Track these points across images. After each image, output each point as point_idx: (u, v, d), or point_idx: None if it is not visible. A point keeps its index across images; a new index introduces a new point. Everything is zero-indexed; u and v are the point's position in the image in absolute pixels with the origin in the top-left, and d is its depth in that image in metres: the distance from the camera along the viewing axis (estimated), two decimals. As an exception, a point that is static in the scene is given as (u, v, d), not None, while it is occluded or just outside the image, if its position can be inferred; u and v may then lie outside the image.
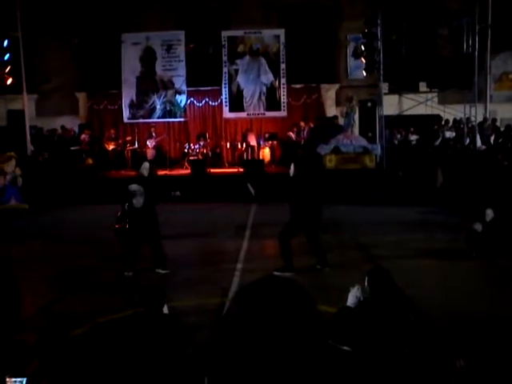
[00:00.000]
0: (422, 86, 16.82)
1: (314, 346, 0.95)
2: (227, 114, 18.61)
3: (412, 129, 16.63)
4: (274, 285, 1.02)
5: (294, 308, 0.97)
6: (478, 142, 14.84)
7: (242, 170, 16.00)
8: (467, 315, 5.73)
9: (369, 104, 16.07)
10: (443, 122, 16.76)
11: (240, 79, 18.38)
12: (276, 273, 7.16)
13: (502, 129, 16.15)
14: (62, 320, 5.96)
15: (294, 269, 7.34)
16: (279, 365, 0.92)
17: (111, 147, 17.75)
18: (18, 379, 2.43)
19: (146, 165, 8.03)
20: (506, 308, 5.96)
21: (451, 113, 16.06)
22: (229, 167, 17.52)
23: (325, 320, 1.01)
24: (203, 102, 19.03)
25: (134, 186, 7.66)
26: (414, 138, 16.43)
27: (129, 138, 17.98)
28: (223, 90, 18.42)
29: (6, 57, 15.91)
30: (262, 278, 1.04)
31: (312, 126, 17.46)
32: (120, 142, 17.92)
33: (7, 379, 2.44)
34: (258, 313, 0.95)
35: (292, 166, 7.64)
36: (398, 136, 16.53)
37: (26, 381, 2.43)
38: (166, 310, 4.04)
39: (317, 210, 7.55)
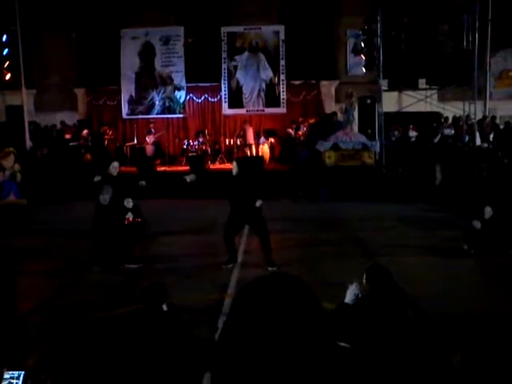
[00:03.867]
0: (422, 83, 16.82)
1: (319, 343, 0.95)
2: (226, 110, 18.58)
3: (411, 126, 16.62)
4: (279, 281, 1.01)
5: (300, 305, 0.97)
6: (478, 140, 14.83)
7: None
8: (466, 312, 5.74)
9: (368, 101, 16.03)
10: (442, 120, 16.74)
11: (239, 75, 18.35)
12: (224, 266, 7.66)
13: (501, 126, 16.13)
14: (61, 315, 5.97)
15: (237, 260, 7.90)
16: (284, 362, 0.91)
17: (106, 142, 17.78)
18: (16, 372, 2.43)
19: (115, 164, 8.37)
20: (505, 305, 5.98)
21: (451, 110, 16.03)
22: (228, 163, 17.50)
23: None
24: (202, 98, 18.99)
25: (98, 178, 7.96)
26: (413, 134, 16.41)
27: (110, 132, 18.12)
28: (222, 86, 18.40)
29: (5, 52, 15.87)
30: (266, 275, 1.03)
31: (311, 122, 17.43)
32: (111, 134, 18.03)
33: (5, 372, 2.44)
34: (264, 310, 0.95)
35: (235, 165, 8.07)
36: (396, 133, 16.49)
37: (24, 374, 2.43)
38: (164, 307, 4.04)
39: (255, 207, 7.72)
